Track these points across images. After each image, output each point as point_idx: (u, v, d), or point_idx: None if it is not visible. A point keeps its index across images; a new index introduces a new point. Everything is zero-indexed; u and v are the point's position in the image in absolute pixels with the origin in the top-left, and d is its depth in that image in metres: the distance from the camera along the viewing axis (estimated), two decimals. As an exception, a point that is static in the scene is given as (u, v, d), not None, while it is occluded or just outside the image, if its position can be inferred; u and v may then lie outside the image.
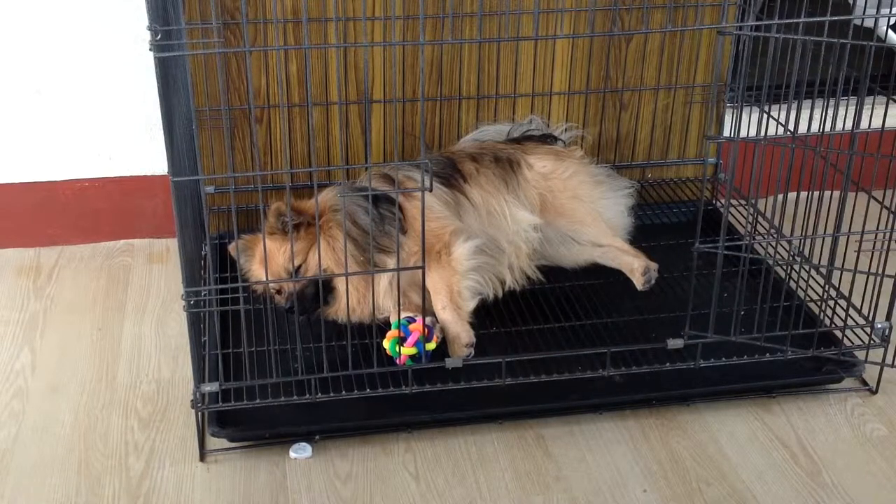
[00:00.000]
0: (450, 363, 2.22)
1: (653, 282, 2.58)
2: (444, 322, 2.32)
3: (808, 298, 2.40)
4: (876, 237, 2.20)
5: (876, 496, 2.06)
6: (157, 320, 2.63)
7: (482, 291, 2.44)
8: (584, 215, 2.63)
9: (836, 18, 2.04)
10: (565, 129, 2.87)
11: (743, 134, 2.15)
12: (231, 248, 2.41)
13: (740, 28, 2.51)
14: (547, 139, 2.77)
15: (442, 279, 2.32)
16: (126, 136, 2.92)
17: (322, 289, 2.29)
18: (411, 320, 2.27)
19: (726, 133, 3.02)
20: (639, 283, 2.58)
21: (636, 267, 2.59)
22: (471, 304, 2.36)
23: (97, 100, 2.86)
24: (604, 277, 2.65)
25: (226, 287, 2.05)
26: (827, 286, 2.35)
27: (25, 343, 2.53)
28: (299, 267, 2.28)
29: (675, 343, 2.25)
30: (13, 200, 2.93)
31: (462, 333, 2.29)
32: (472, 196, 2.49)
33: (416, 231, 2.17)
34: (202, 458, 2.13)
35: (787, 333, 2.23)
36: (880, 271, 2.21)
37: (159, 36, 1.77)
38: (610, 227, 2.67)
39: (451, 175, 2.49)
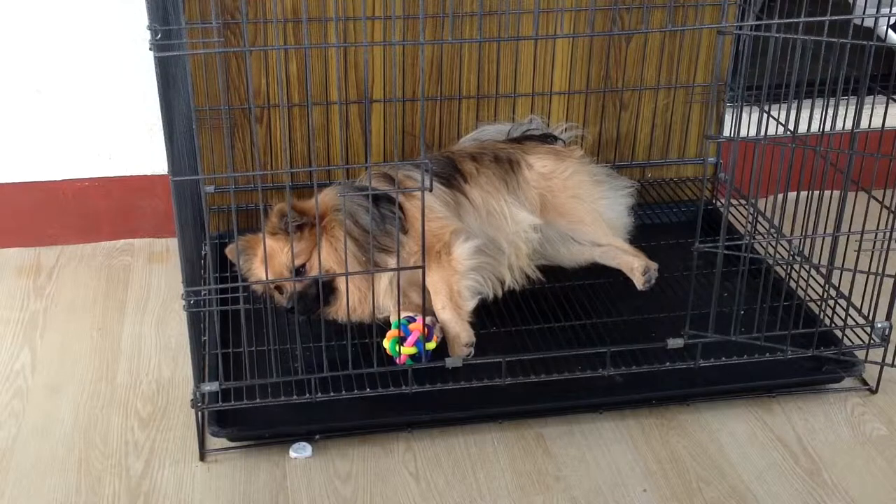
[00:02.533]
0: (450, 363, 2.22)
1: (653, 281, 2.58)
2: (443, 321, 2.32)
3: (808, 298, 2.40)
4: (876, 237, 2.20)
5: (876, 496, 2.06)
6: (157, 320, 2.63)
7: (482, 291, 2.44)
8: (584, 214, 2.63)
9: (836, 18, 2.04)
10: (565, 129, 2.87)
11: (743, 133, 2.15)
12: (229, 250, 2.40)
13: (740, 28, 2.51)
14: (547, 139, 2.77)
15: (442, 279, 2.32)
16: (126, 136, 2.92)
17: (323, 289, 2.29)
18: (411, 320, 2.27)
19: (726, 133, 3.02)
20: (639, 282, 2.58)
21: (636, 266, 2.59)
22: (470, 304, 2.36)
23: (97, 100, 2.86)
24: (604, 277, 2.65)
25: (226, 287, 2.05)
26: (827, 286, 2.35)
27: (25, 343, 2.53)
28: (302, 267, 2.28)
29: (675, 343, 2.25)
30: (13, 200, 2.93)
31: (462, 333, 2.29)
32: (472, 196, 2.49)
33: (417, 231, 2.17)
34: (202, 457, 2.13)
35: (787, 333, 2.23)
36: (880, 271, 2.21)
37: (159, 36, 1.78)
38: (610, 227, 2.67)
39: (451, 175, 2.49)
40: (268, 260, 2.16)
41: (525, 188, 2.57)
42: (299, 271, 2.27)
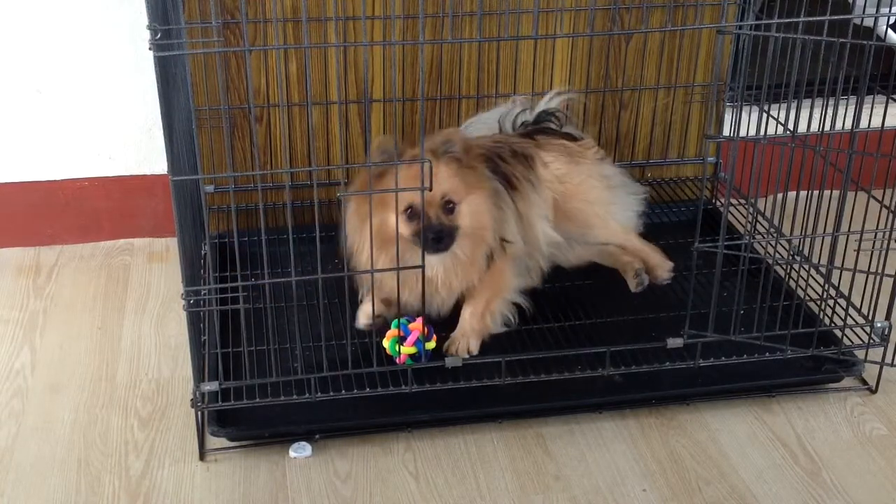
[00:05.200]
0: (450, 362, 2.22)
1: (646, 283, 2.58)
2: (463, 322, 2.32)
3: (807, 298, 2.40)
4: (875, 236, 2.20)
5: (876, 496, 2.06)
6: (157, 319, 2.63)
7: (509, 324, 2.42)
8: (592, 218, 2.62)
9: (835, 18, 2.04)
10: (554, 96, 2.78)
11: (743, 133, 2.15)
12: (384, 140, 2.23)
13: (740, 27, 2.51)
14: (563, 134, 2.72)
15: (489, 286, 2.34)
16: (126, 136, 2.92)
17: (451, 232, 2.23)
18: (411, 319, 2.27)
19: (726, 132, 3.02)
20: (631, 284, 2.59)
21: (658, 262, 2.62)
22: (494, 329, 2.37)
23: (97, 100, 2.86)
24: (604, 277, 2.65)
25: (226, 286, 2.05)
26: (826, 285, 2.35)
27: (25, 342, 2.53)
28: (450, 204, 2.23)
29: (674, 342, 2.25)
30: (13, 200, 2.93)
31: (471, 344, 2.29)
32: (519, 205, 2.47)
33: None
34: (202, 457, 2.13)
35: (787, 333, 2.23)
36: (880, 270, 2.21)
37: (159, 35, 1.77)
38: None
39: (505, 179, 2.45)
40: (412, 181, 2.09)
41: (542, 189, 2.54)
42: (449, 207, 2.24)
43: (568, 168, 2.62)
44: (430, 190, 2.12)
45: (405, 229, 2.22)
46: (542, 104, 2.79)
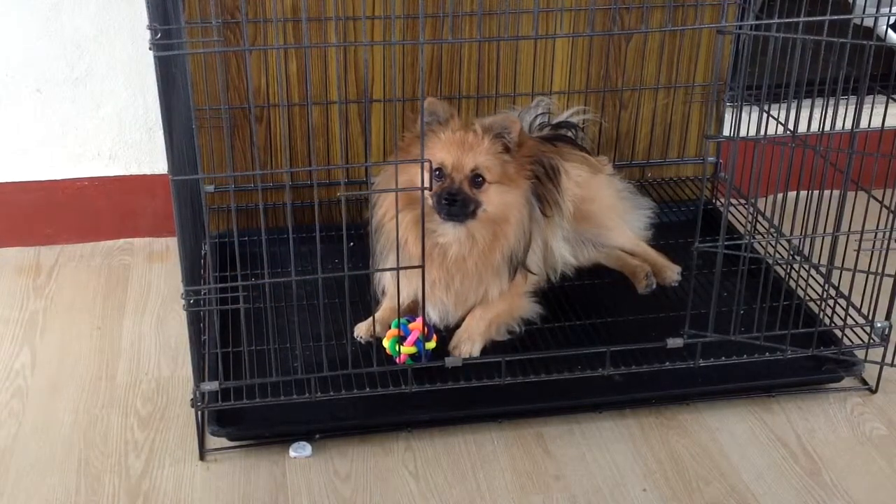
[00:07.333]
0: (450, 362, 2.22)
1: (654, 286, 2.59)
2: (469, 323, 2.33)
3: (807, 298, 2.40)
4: (876, 236, 2.20)
5: (876, 496, 2.06)
6: (157, 319, 2.63)
7: (513, 332, 2.42)
8: (608, 220, 2.64)
9: (835, 18, 2.04)
10: (575, 113, 2.84)
11: (743, 133, 2.15)
12: (433, 101, 2.25)
13: (740, 27, 2.51)
14: (580, 147, 2.75)
15: (505, 300, 2.34)
16: (126, 136, 2.92)
17: (471, 203, 2.21)
18: (411, 319, 2.27)
19: (726, 132, 3.02)
20: (640, 285, 2.60)
21: (666, 265, 2.63)
22: (498, 337, 2.37)
23: (97, 100, 2.86)
24: (604, 278, 2.65)
25: (226, 286, 2.05)
26: (826, 285, 2.35)
27: (25, 342, 2.53)
28: (479, 177, 2.21)
29: (674, 342, 2.25)
30: (13, 200, 2.93)
31: (474, 347, 2.29)
32: (547, 234, 2.47)
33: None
34: (202, 457, 2.13)
35: (787, 332, 2.23)
36: (880, 270, 2.21)
37: (159, 35, 1.77)
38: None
39: (539, 202, 2.43)
40: (450, 145, 2.17)
41: (564, 204, 2.53)
42: (478, 180, 2.22)
43: (588, 176, 2.63)
44: (430, 189, 2.12)
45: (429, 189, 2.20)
46: (565, 116, 2.81)
